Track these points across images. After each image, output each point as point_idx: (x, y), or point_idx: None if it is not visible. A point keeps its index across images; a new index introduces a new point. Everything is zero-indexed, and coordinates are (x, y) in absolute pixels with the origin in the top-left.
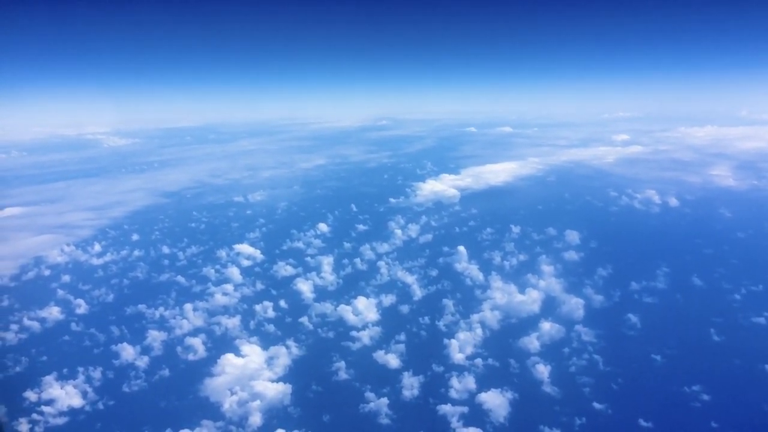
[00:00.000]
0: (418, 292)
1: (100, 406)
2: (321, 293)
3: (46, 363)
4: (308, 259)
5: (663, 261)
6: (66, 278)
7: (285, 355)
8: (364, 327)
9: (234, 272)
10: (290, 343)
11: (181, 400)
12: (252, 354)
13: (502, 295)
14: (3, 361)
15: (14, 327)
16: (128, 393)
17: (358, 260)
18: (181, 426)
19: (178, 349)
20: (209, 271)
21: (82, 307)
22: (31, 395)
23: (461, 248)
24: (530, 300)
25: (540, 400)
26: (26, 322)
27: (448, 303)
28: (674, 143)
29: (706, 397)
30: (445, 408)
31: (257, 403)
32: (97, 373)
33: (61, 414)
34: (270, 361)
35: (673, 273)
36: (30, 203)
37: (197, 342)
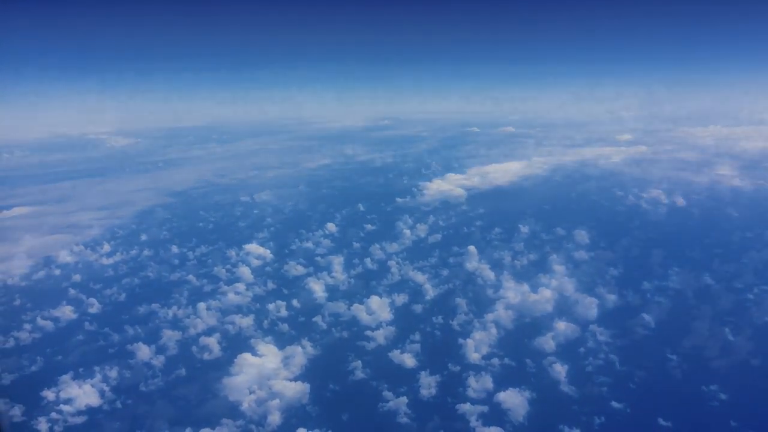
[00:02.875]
0: (430, 292)
1: (119, 405)
2: (333, 293)
3: (62, 362)
4: (318, 258)
5: (673, 260)
6: (77, 278)
7: (301, 354)
8: (378, 326)
9: (245, 271)
10: (305, 342)
11: (199, 399)
12: (268, 353)
13: (514, 294)
14: (19, 360)
15: (27, 327)
16: (146, 392)
17: (368, 260)
18: (201, 425)
19: (194, 348)
20: (220, 270)
21: (94, 306)
22: (48, 394)
23: (471, 248)
24: (543, 299)
25: (558, 400)
26: (39, 321)
27: (461, 302)
28: (678, 143)
29: (723, 396)
30: (464, 407)
31: (276, 402)
32: (113, 372)
33: (80, 413)
34: (286, 361)
35: (685, 272)
36: (37, 203)
37: (212, 341)
